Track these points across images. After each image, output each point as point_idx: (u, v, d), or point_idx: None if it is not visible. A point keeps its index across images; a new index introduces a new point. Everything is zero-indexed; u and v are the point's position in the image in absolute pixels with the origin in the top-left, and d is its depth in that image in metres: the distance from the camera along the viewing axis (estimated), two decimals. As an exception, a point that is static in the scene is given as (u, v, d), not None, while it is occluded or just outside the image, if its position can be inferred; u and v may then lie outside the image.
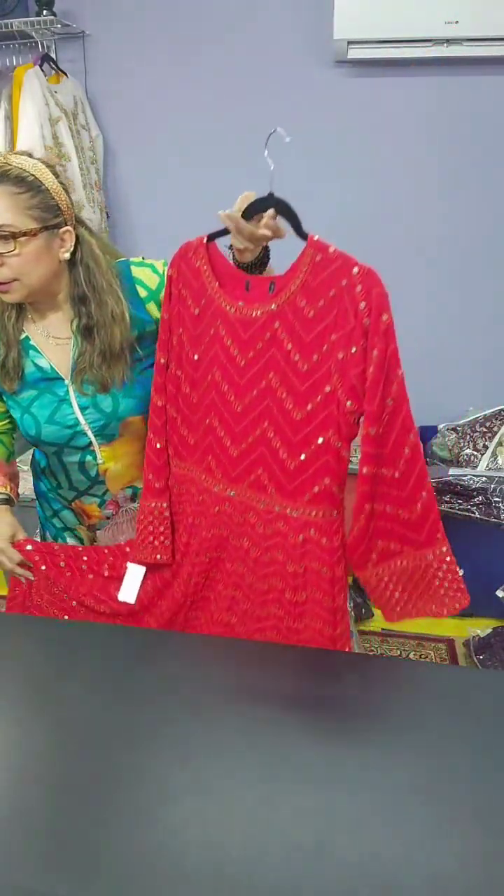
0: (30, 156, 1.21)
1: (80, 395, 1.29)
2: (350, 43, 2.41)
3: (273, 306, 1.07)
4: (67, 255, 1.23)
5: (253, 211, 1.05)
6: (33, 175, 1.16)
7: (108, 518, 1.42)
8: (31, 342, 1.31)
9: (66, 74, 2.67)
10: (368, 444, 1.03)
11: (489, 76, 2.48)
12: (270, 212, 1.03)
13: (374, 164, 2.68)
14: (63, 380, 1.30)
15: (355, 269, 1.00)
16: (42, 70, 2.57)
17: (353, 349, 1.01)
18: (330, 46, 2.47)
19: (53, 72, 2.64)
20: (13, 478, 1.44)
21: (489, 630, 2.29)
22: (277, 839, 0.75)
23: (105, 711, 0.97)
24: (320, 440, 1.07)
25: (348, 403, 1.03)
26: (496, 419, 2.60)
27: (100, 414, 1.30)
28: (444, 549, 1.10)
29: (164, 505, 1.27)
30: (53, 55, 2.70)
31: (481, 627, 2.33)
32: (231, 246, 1.12)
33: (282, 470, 1.12)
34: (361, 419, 1.04)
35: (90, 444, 1.33)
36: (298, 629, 1.17)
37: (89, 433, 1.31)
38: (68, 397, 1.30)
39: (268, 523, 1.16)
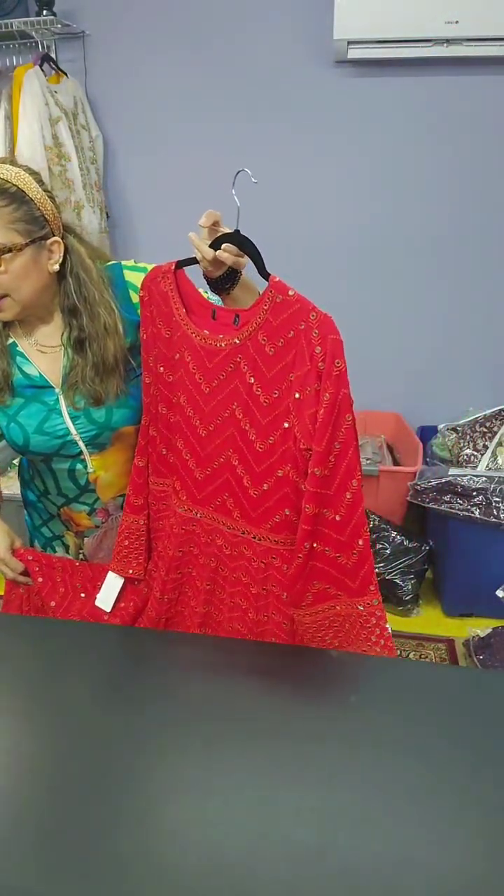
0: (12, 163, 1.16)
1: (71, 407, 1.26)
2: (350, 43, 2.41)
3: (237, 340, 1.08)
4: (57, 267, 1.19)
5: (220, 243, 1.08)
6: (16, 186, 1.11)
7: (97, 526, 1.40)
8: (19, 348, 1.27)
9: (66, 74, 2.67)
10: (312, 484, 1.04)
11: (489, 76, 2.49)
12: (227, 245, 1.06)
13: (374, 164, 2.68)
14: (53, 388, 1.26)
15: (312, 315, 1.01)
16: (42, 70, 2.57)
17: (308, 390, 1.02)
18: (330, 46, 2.47)
19: (53, 72, 2.64)
20: None
21: (489, 630, 2.29)
22: (277, 839, 0.75)
23: (104, 711, 0.97)
24: (279, 473, 1.09)
25: (302, 442, 1.05)
26: (496, 419, 2.60)
27: (92, 424, 1.26)
28: (376, 601, 1.09)
29: (142, 522, 1.29)
30: (53, 55, 2.70)
31: (481, 627, 2.33)
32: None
33: (245, 497, 1.13)
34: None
35: (80, 452, 1.29)
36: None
37: (80, 443, 1.28)
38: (58, 406, 1.25)
39: (233, 546, 1.17)
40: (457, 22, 2.29)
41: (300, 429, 1.04)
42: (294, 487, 1.08)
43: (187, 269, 1.16)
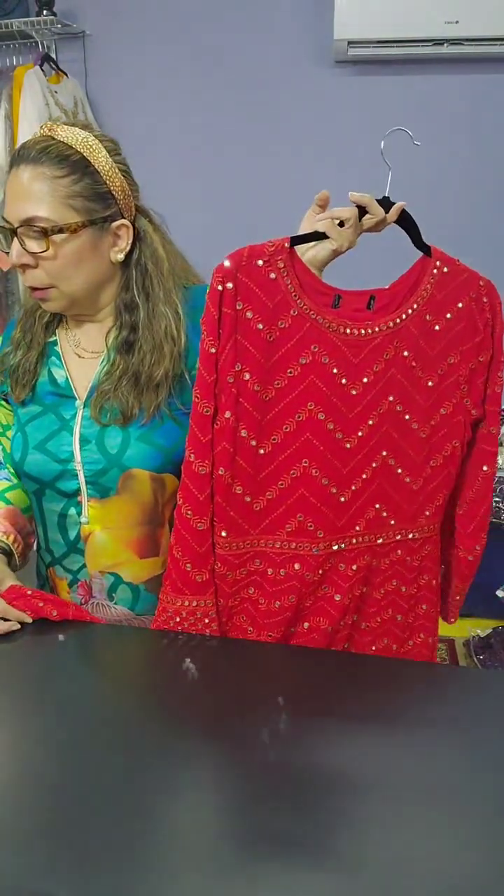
0: (84, 127, 0.96)
1: (90, 422, 1.05)
2: (350, 43, 2.40)
3: (394, 322, 0.96)
4: (121, 256, 1.00)
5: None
6: (80, 153, 0.92)
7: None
8: (57, 348, 1.10)
9: (66, 74, 2.67)
10: (491, 444, 1.07)
11: (489, 76, 2.48)
12: (401, 204, 1.00)
13: (373, 164, 2.67)
14: (74, 399, 1.08)
15: (481, 282, 1.02)
16: (42, 70, 2.57)
17: (480, 358, 1.03)
18: (330, 46, 2.46)
19: (53, 72, 2.63)
20: (24, 533, 1.16)
21: (489, 630, 2.29)
22: (277, 839, 0.75)
23: (105, 712, 0.97)
24: (446, 451, 1.06)
25: (473, 411, 1.07)
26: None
27: (101, 454, 1.04)
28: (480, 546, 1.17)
29: (210, 602, 1.03)
30: (53, 55, 2.70)
31: (481, 627, 2.33)
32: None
33: (402, 495, 1.03)
34: (479, 423, 1.08)
35: (78, 491, 1.07)
36: (409, 648, 1.17)
37: (81, 475, 1.06)
38: (73, 423, 1.06)
39: (383, 556, 1.06)
40: (457, 22, 2.28)
41: (473, 399, 1.05)
42: (457, 463, 1.08)
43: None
